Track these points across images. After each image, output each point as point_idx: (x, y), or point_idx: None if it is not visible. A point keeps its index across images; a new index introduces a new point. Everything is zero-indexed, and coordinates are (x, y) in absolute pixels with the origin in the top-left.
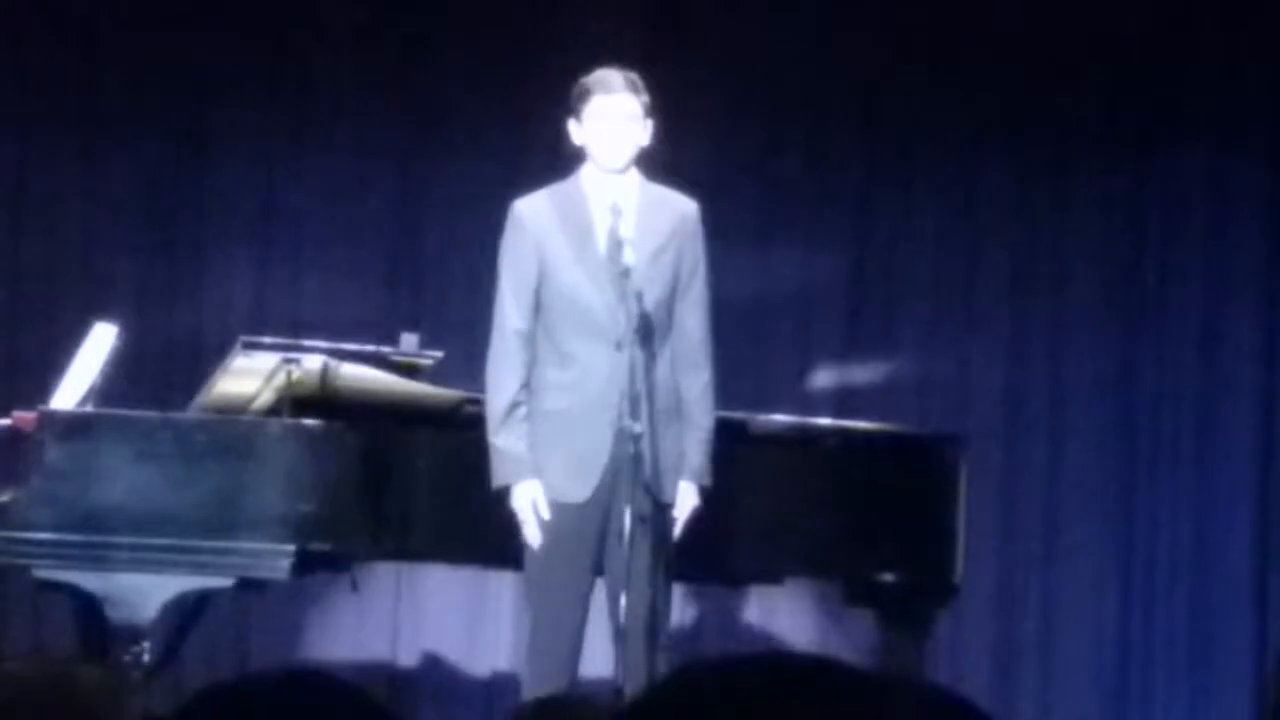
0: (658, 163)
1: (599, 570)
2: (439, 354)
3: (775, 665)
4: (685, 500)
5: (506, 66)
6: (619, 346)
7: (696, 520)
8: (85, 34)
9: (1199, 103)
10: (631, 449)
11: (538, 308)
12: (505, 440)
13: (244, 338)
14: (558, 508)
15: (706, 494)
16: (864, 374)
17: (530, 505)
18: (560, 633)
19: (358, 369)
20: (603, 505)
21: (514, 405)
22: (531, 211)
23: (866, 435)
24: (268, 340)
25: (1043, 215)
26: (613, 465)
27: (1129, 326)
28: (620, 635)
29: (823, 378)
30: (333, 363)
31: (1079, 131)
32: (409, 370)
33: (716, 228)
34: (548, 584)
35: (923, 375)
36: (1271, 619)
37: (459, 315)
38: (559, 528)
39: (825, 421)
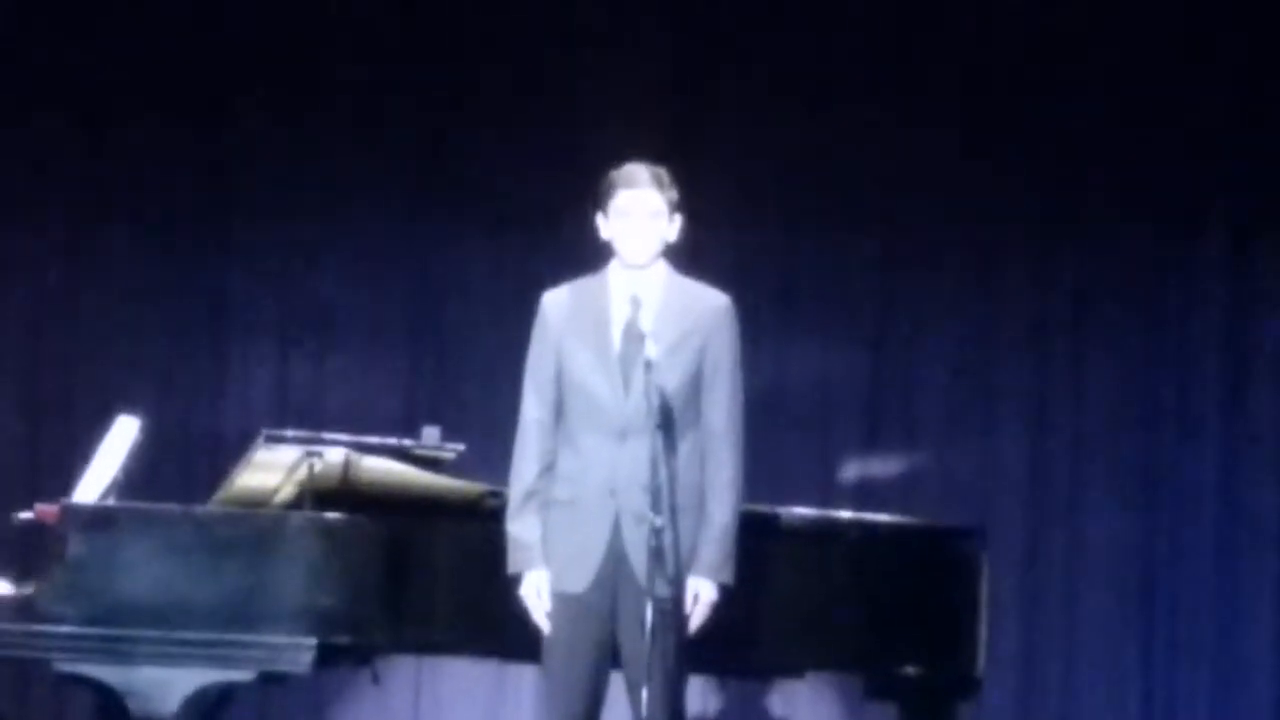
0: (679, 256)
1: (615, 662)
2: (461, 447)
3: None
4: (702, 596)
5: (531, 161)
6: (623, 437)
7: (718, 613)
8: (103, 124)
9: (1223, 198)
10: (653, 542)
11: (560, 399)
12: (518, 528)
13: (266, 431)
14: (561, 598)
15: (727, 590)
16: (884, 467)
17: (535, 594)
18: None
19: (379, 462)
20: (604, 596)
21: (530, 494)
22: (554, 304)
23: (887, 528)
24: (289, 433)
25: (1062, 309)
26: (611, 556)
27: (1149, 423)
28: None
29: (843, 471)
30: (354, 456)
31: (1100, 223)
32: (431, 463)
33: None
34: (556, 674)
35: (943, 468)
36: None
37: (481, 408)
38: (562, 617)
39: (846, 515)
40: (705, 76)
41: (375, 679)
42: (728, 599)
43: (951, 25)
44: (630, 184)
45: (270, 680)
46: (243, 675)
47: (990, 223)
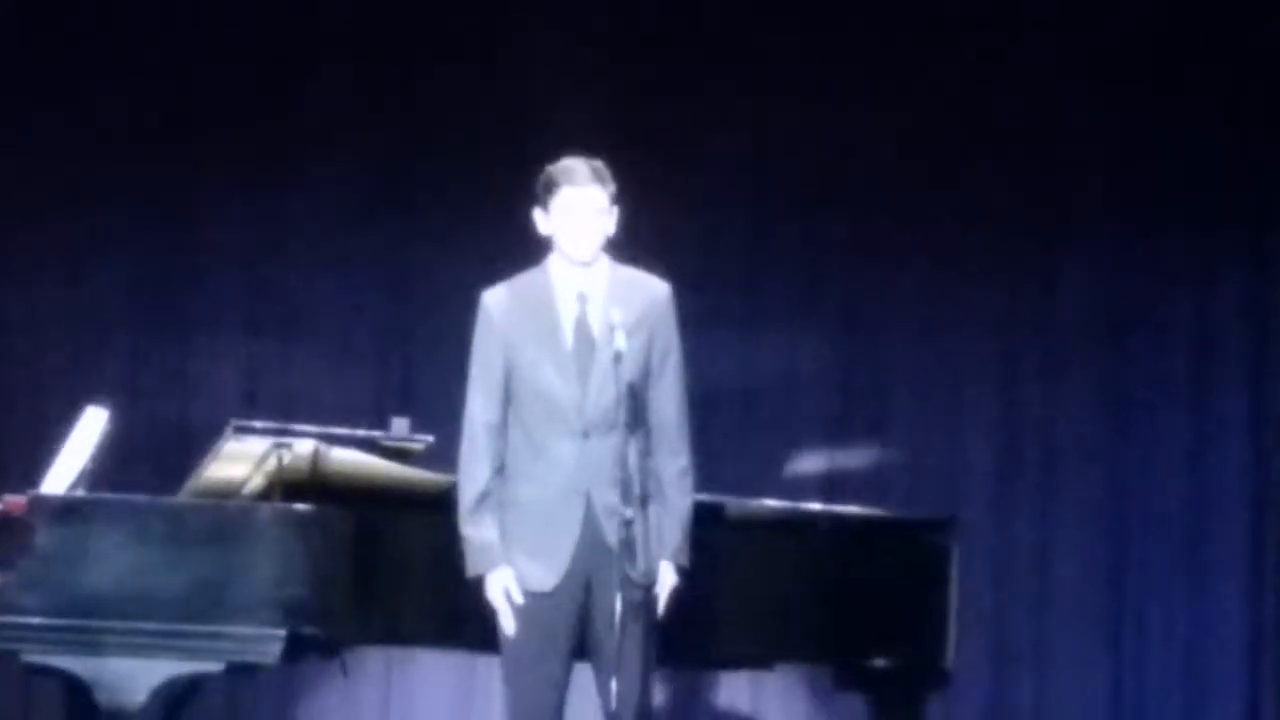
0: (644, 248)
1: (579, 655)
2: (429, 439)
3: None
4: (664, 580)
5: (495, 150)
6: (585, 436)
7: (687, 604)
8: (75, 113)
9: (1190, 193)
10: (623, 534)
11: (508, 399)
12: (475, 530)
13: (235, 422)
14: (527, 596)
15: (695, 578)
16: (853, 457)
17: (503, 593)
18: (536, 718)
19: (348, 453)
20: (574, 592)
21: (484, 495)
22: (497, 303)
23: (856, 520)
24: (258, 425)
25: (1031, 296)
26: (581, 552)
27: (1117, 408)
28: None
29: (812, 461)
30: (323, 447)
31: (1067, 212)
32: (399, 455)
33: (704, 311)
34: (522, 671)
35: (912, 458)
36: (1264, 697)
37: (449, 400)
38: (529, 615)
39: (815, 506)
40: (671, 65)
41: (344, 670)
42: (691, 586)
43: (925, 13)
44: (572, 180)
45: (239, 671)
46: (211, 666)
47: (960, 212)
